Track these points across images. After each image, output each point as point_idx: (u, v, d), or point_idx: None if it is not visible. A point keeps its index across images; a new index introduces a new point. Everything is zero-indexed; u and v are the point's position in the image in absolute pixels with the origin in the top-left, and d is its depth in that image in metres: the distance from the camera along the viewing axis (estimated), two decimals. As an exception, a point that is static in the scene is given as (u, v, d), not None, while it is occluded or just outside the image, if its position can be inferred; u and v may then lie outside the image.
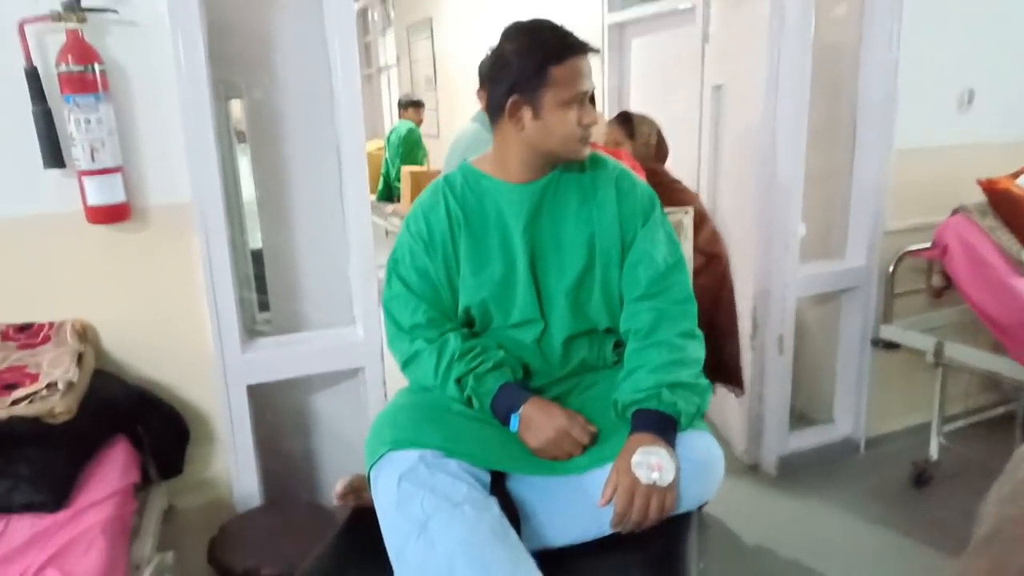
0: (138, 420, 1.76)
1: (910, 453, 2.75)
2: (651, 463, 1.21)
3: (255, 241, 2.34)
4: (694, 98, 3.42)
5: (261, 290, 2.35)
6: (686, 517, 1.32)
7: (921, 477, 2.64)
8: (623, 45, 4.16)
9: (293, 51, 2.05)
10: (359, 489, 1.46)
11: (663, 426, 1.28)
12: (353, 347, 2.07)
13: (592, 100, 1.37)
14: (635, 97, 4.12)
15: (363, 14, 9.35)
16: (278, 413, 2.19)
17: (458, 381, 1.37)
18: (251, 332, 2.18)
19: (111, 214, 1.75)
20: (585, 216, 1.42)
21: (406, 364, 1.46)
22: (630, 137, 2.45)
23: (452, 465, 1.25)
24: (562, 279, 1.42)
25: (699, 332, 1.43)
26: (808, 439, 2.86)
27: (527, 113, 1.34)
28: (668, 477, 1.21)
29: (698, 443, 1.31)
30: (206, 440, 1.97)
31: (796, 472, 2.74)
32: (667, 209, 1.86)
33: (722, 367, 2.40)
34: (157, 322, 1.87)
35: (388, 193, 5.51)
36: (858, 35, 2.67)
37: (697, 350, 1.39)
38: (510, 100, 1.33)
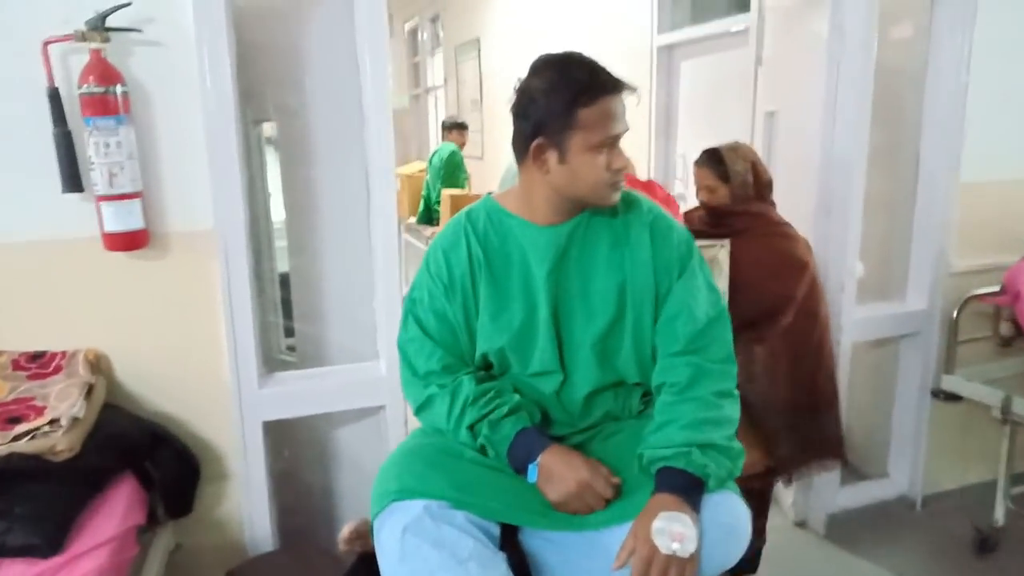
0: (147, 457, 1.69)
1: (971, 514, 2.53)
2: (673, 531, 1.12)
3: (285, 264, 2.28)
4: (745, 124, 3.28)
5: (288, 315, 2.29)
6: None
7: (985, 544, 2.41)
8: (671, 68, 4.03)
9: (324, 70, 1.98)
10: (365, 535, 1.39)
11: (689, 488, 1.19)
12: (375, 383, 1.97)
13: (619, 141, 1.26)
14: (683, 122, 4.00)
15: (413, 34, 9.42)
16: (296, 448, 2.10)
17: (471, 428, 1.30)
18: (273, 362, 2.11)
19: (128, 241, 1.70)
20: (616, 262, 1.32)
21: (419, 410, 1.39)
22: (725, 180, 2.10)
23: (459, 517, 1.19)
24: (588, 329, 1.32)
25: (736, 393, 1.33)
26: (860, 495, 2.66)
27: (552, 156, 1.24)
28: (690, 548, 1.12)
29: (724, 505, 1.22)
30: (218, 477, 1.89)
31: (847, 530, 2.54)
32: (701, 243, 1.69)
33: (823, 440, 2.19)
34: (173, 353, 1.81)
35: (428, 216, 5.45)
36: (924, 57, 2.50)
37: (733, 410, 1.30)
38: (535, 143, 1.23)
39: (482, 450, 1.31)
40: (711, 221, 2.17)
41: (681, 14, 3.98)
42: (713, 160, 2.14)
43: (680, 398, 1.27)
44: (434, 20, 8.49)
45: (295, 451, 2.11)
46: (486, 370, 1.40)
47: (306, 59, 1.98)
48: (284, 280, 2.27)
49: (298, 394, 1.92)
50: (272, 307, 2.22)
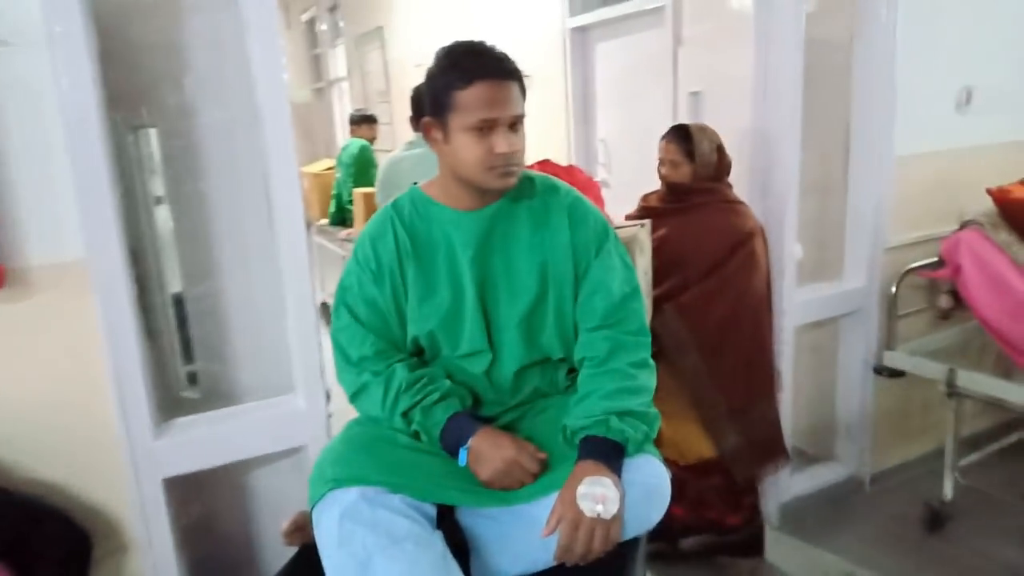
0: (23, 539, 1.41)
1: (919, 490, 2.52)
2: (596, 495, 1.20)
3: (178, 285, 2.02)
4: (666, 105, 3.18)
5: (188, 347, 2.02)
6: (633, 543, 1.31)
7: (936, 519, 2.40)
8: (586, 50, 3.90)
9: (209, 66, 1.72)
10: (304, 527, 1.41)
11: (610, 454, 1.27)
12: (293, 420, 1.74)
13: (514, 125, 1.28)
14: (601, 104, 3.87)
15: (311, 25, 8.98)
16: (207, 500, 1.85)
17: (404, 415, 1.35)
18: (173, 403, 1.84)
19: (-24, 282, 1.41)
20: (537, 244, 1.39)
21: (354, 397, 1.42)
22: (690, 158, 2.13)
23: (395, 501, 1.24)
24: (513, 309, 1.39)
25: (652, 362, 1.41)
26: (810, 481, 2.61)
27: (439, 136, 1.32)
28: (612, 509, 1.20)
29: (644, 467, 1.31)
30: (116, 550, 1.61)
31: (800, 518, 2.48)
32: (619, 226, 1.83)
33: (768, 440, 2.19)
34: (48, 410, 1.52)
35: (341, 217, 5.15)
36: (850, 27, 2.43)
37: (649, 379, 1.39)
38: (423, 119, 1.34)
39: (415, 435, 1.35)
40: (670, 197, 2.20)
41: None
42: (680, 136, 2.16)
43: (599, 371, 1.36)
44: (332, 10, 8.10)
45: (206, 503, 1.85)
46: (418, 356, 1.44)
47: (188, 54, 1.71)
48: (179, 303, 2.01)
49: (203, 441, 1.67)
50: (167, 340, 1.95)
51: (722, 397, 2.10)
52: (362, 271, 1.40)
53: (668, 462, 1.38)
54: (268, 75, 1.60)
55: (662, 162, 2.20)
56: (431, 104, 1.30)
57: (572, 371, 1.47)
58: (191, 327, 1.94)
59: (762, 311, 2.16)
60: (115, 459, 1.57)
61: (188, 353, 1.95)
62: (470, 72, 1.25)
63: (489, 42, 1.30)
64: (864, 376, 2.57)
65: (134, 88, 1.70)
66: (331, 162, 5.83)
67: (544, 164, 2.33)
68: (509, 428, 1.40)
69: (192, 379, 2.04)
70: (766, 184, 2.30)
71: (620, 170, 3.76)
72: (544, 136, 4.19)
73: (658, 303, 2.08)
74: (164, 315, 1.97)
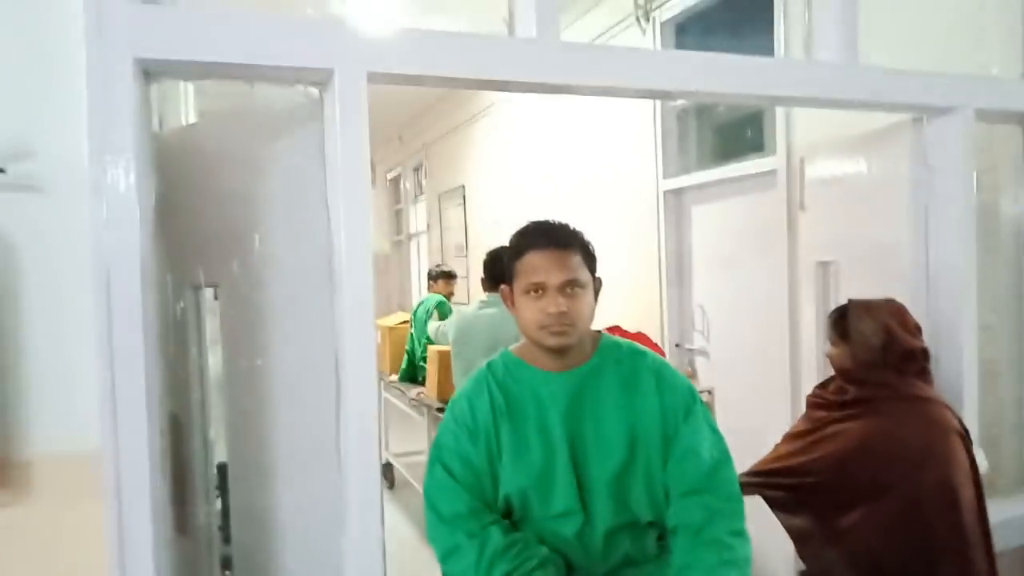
0: None
1: None
2: None
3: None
4: (781, 273, 2.85)
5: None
6: None
7: None
8: (681, 212, 3.66)
9: (285, 222, 1.50)
10: None
11: None
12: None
13: (565, 289, 1.37)
14: (699, 270, 3.57)
15: (395, 182, 9.27)
16: None
17: None
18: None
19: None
20: (626, 406, 1.43)
21: (445, 557, 1.41)
22: (843, 338, 1.81)
23: None
24: (603, 469, 1.41)
25: (746, 532, 1.38)
26: None
27: (510, 301, 1.45)
28: None
29: None
30: None
31: None
32: None
33: None
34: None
35: (412, 373, 4.88)
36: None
37: (746, 549, 1.37)
38: (501, 287, 1.48)
39: None
40: (835, 388, 1.84)
41: (687, 159, 3.66)
42: (835, 314, 1.87)
43: (697, 540, 1.35)
44: (417, 169, 8.34)
45: None
46: (507, 517, 1.45)
47: (262, 207, 1.50)
48: (223, 493, 1.68)
49: None
50: (205, 546, 1.61)
51: None
52: (459, 429, 1.44)
53: None
54: (352, 235, 1.35)
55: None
56: (505, 273, 1.46)
57: (660, 537, 1.48)
58: (233, 530, 1.60)
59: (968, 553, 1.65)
60: None
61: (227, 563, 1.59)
62: (525, 244, 1.42)
63: (561, 220, 1.45)
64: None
65: (193, 243, 1.48)
66: (405, 315, 5.66)
67: (613, 330, 2.16)
68: None
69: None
70: (935, 377, 1.87)
71: (719, 338, 3.39)
72: (636, 300, 3.89)
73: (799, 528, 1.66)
74: (203, 512, 1.64)
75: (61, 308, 1.19)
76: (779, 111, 2.90)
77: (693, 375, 3.47)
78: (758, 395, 3.11)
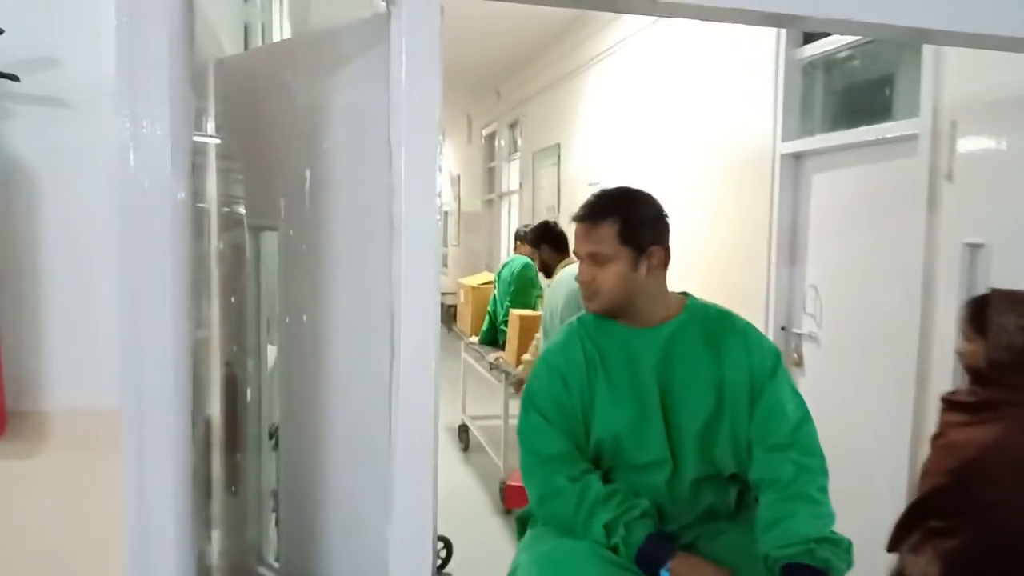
0: None
1: None
2: None
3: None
4: (916, 256, 2.47)
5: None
6: None
7: None
8: (800, 180, 3.28)
9: (345, 157, 1.31)
10: None
11: None
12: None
13: (593, 259, 1.48)
14: (814, 245, 3.20)
15: (490, 139, 9.08)
16: None
17: (605, 526, 1.38)
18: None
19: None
20: (714, 361, 1.48)
21: (543, 499, 1.46)
22: (979, 333, 1.57)
23: None
24: (692, 421, 1.46)
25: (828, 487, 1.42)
26: None
27: None
28: None
29: None
30: None
31: None
32: None
33: None
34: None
35: (492, 336, 4.72)
36: None
37: (831, 506, 1.39)
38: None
39: (614, 548, 1.39)
40: (967, 390, 1.64)
41: (811, 120, 3.27)
42: (973, 304, 1.64)
43: (786, 495, 1.39)
44: (513, 126, 8.11)
45: None
46: (595, 466, 1.49)
47: (322, 143, 1.31)
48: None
49: None
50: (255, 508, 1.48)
51: None
52: (551, 376, 1.50)
53: None
54: (415, 176, 1.13)
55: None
56: None
57: (741, 493, 1.54)
58: (280, 516, 1.47)
59: None
60: None
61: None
62: (574, 215, 1.54)
63: (624, 187, 1.56)
64: None
65: (254, 181, 1.32)
66: (490, 276, 5.50)
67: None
68: (687, 550, 1.43)
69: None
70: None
71: (833, 323, 3.03)
72: (736, 274, 3.56)
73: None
74: (254, 472, 1.51)
75: (86, 250, 1.05)
76: (926, 65, 2.49)
77: (799, 361, 3.13)
78: (874, 391, 2.76)
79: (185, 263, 1.06)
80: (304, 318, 1.41)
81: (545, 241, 3.89)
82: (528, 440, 1.49)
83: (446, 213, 9.93)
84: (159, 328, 1.03)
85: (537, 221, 4.55)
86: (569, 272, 3.15)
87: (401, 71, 1.10)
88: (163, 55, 1.01)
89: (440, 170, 1.14)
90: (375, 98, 1.20)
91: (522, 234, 5.04)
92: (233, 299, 1.56)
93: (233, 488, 1.62)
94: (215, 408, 1.52)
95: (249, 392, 1.61)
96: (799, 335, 3.19)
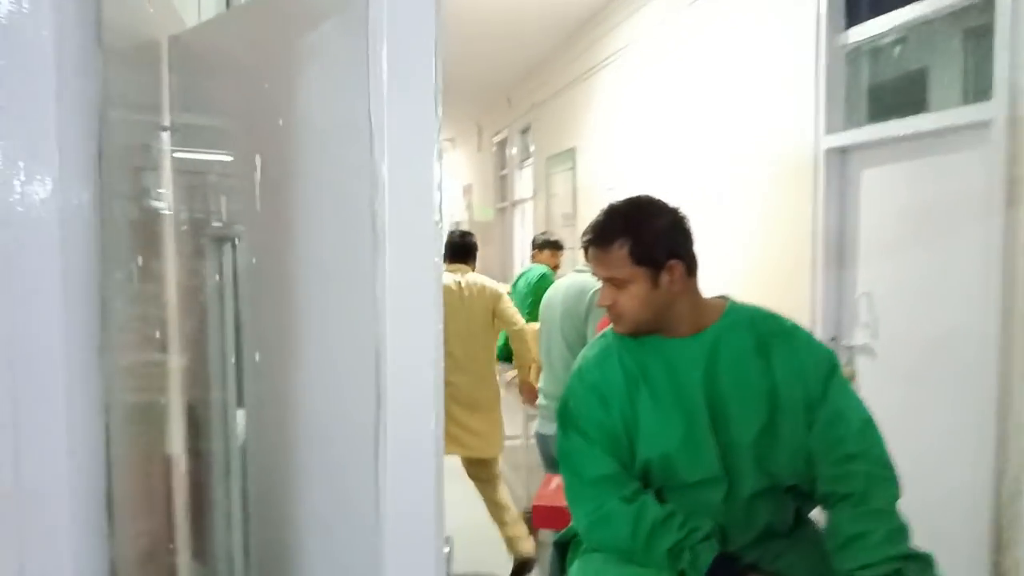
0: None
1: None
2: None
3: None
4: (990, 258, 2.16)
5: None
6: None
7: None
8: (847, 177, 2.95)
9: (318, 146, 1.00)
10: None
11: None
12: None
13: (612, 283, 1.40)
14: (866, 249, 2.86)
15: (502, 146, 8.80)
16: None
17: (669, 551, 1.31)
18: None
19: None
20: (764, 368, 1.39)
21: (594, 525, 1.39)
22: None
23: None
24: (745, 432, 1.38)
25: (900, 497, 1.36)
26: None
27: None
28: None
29: None
30: None
31: None
32: None
33: None
34: None
35: (509, 351, 4.41)
36: None
37: (904, 518, 1.32)
38: None
39: (680, 574, 1.31)
40: None
41: (856, 112, 2.94)
42: None
43: (861, 511, 1.31)
44: (524, 131, 7.82)
45: None
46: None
47: (290, 128, 1.01)
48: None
49: None
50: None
51: None
52: (589, 394, 1.43)
53: None
54: (401, 167, 0.83)
55: None
56: None
57: (797, 508, 1.47)
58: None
59: None
60: None
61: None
62: (583, 238, 1.47)
63: (622, 204, 1.45)
64: None
65: (212, 178, 1.02)
66: (506, 287, 5.20)
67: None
68: (753, 570, 1.36)
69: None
70: None
71: (891, 334, 2.70)
72: (775, 283, 3.23)
73: None
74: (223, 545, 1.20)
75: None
76: (999, 42, 2.18)
77: (853, 376, 2.80)
78: (944, 412, 2.43)
79: (89, 297, 0.75)
80: (270, 362, 1.11)
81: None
82: (570, 463, 1.43)
83: (458, 223, 9.64)
84: (52, 396, 0.72)
85: (553, 229, 4.24)
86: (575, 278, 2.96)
87: (382, 22, 0.79)
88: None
89: (439, 156, 0.83)
90: (352, 71, 0.90)
91: (540, 241, 4.74)
92: (194, 333, 1.27)
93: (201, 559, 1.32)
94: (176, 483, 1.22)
95: (217, 457, 1.30)
96: (851, 348, 2.86)
